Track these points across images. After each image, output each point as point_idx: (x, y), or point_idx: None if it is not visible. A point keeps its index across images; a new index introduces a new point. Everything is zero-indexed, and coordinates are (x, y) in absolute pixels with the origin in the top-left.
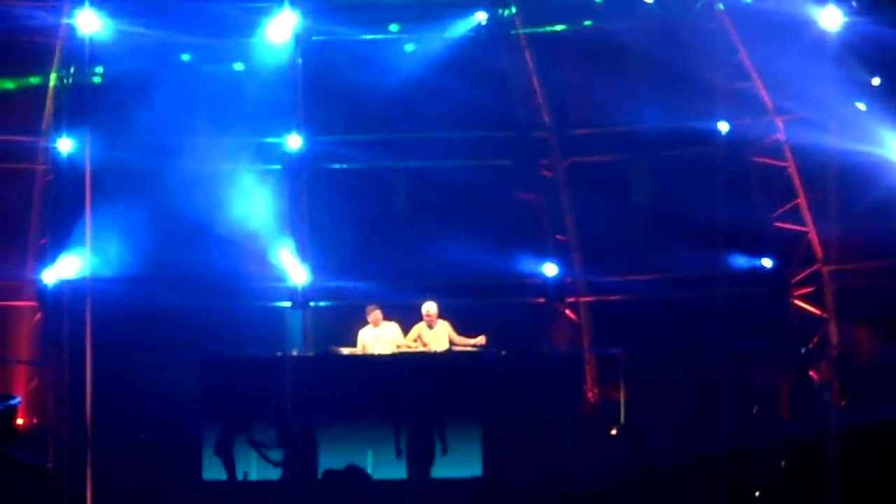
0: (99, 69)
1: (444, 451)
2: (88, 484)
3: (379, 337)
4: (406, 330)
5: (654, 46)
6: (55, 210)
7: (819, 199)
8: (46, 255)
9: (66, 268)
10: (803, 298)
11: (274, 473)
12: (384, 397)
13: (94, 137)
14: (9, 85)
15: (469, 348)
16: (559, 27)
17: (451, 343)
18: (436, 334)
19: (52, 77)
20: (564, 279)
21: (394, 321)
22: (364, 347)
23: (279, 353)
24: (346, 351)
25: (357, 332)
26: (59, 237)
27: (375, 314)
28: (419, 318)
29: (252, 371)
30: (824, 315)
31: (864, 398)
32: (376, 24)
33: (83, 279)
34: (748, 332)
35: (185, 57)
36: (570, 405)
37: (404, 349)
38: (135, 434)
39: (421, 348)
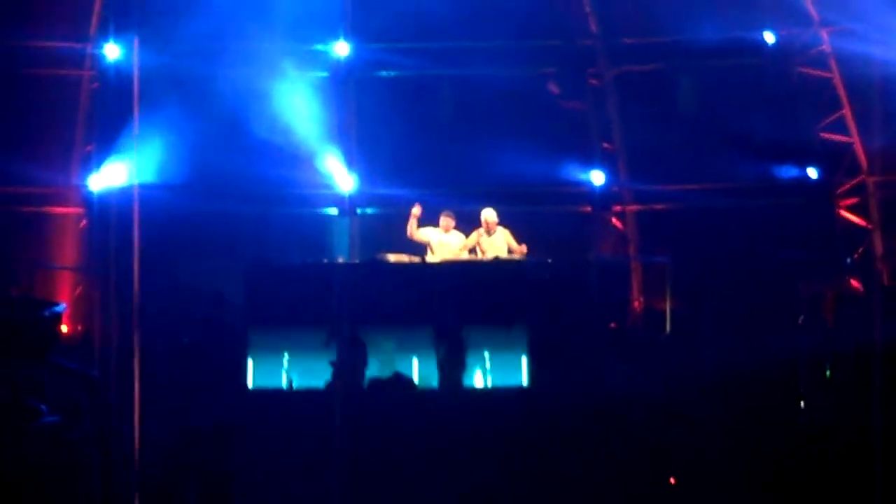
0: None
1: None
2: (136, 391)
3: (446, 243)
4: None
5: None
6: (101, 116)
7: (864, 111)
8: (92, 161)
9: (112, 175)
10: (848, 209)
11: (319, 381)
12: (431, 306)
13: (140, 44)
14: None
15: (518, 257)
16: None
17: (510, 251)
18: (494, 241)
19: None
20: (611, 188)
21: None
22: (430, 247)
23: (326, 260)
24: (392, 258)
25: (418, 231)
26: (105, 144)
27: (448, 221)
28: (471, 225)
29: (299, 278)
30: (869, 226)
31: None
32: None
33: (129, 186)
34: (793, 242)
35: None
36: (616, 314)
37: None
38: (179, 339)
39: (478, 255)
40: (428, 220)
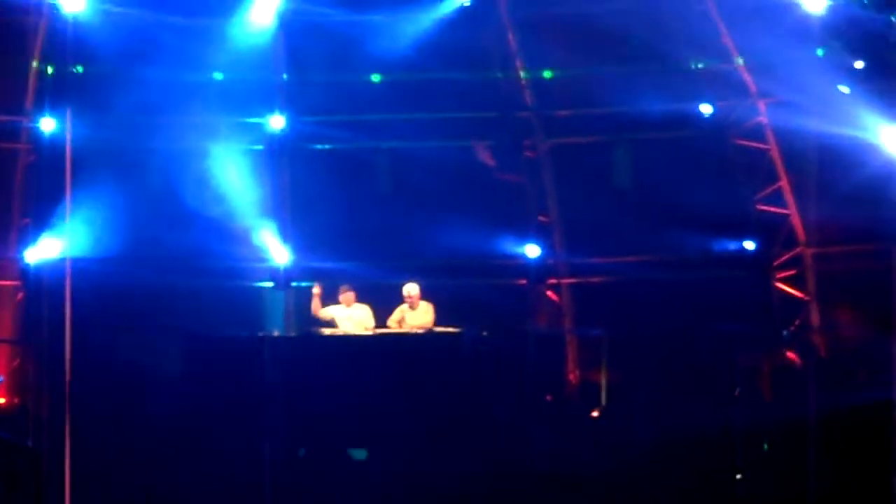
0: (81, 50)
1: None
2: (67, 461)
3: (349, 317)
4: (382, 313)
5: (636, 28)
6: (37, 190)
7: (801, 182)
8: (29, 234)
9: (47, 247)
10: (785, 281)
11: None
12: (366, 377)
13: (76, 118)
14: None
15: (450, 330)
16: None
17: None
18: (417, 316)
19: (35, 57)
20: (546, 260)
21: (367, 304)
22: (335, 323)
23: (260, 333)
24: (327, 332)
25: (321, 310)
26: (41, 217)
27: (348, 295)
28: (402, 299)
29: (234, 350)
30: (806, 297)
31: (846, 382)
32: (360, 5)
33: (64, 259)
34: (730, 314)
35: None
36: (551, 386)
37: (385, 330)
38: (115, 413)
39: (402, 329)
40: (364, 294)
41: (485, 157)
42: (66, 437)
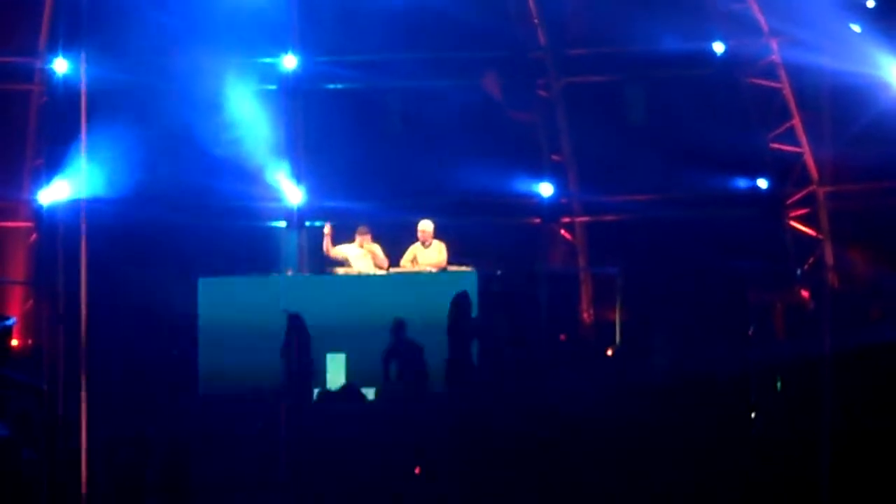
0: None
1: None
2: (83, 404)
3: (362, 255)
4: (394, 252)
5: None
6: (50, 131)
7: (814, 121)
8: (42, 175)
9: (61, 188)
10: (798, 219)
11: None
12: (378, 317)
13: (89, 58)
14: None
15: (463, 269)
16: None
17: (445, 266)
18: (430, 254)
19: None
20: (560, 199)
21: (379, 244)
22: (348, 262)
23: (275, 273)
24: (341, 271)
25: (333, 248)
26: (54, 158)
27: (366, 236)
28: (415, 238)
29: (249, 290)
30: (819, 236)
31: (859, 320)
32: None
33: (78, 200)
34: (744, 252)
35: None
36: (566, 325)
37: (398, 269)
38: (129, 351)
39: (414, 268)
40: (376, 234)
41: (492, 87)
42: (83, 379)
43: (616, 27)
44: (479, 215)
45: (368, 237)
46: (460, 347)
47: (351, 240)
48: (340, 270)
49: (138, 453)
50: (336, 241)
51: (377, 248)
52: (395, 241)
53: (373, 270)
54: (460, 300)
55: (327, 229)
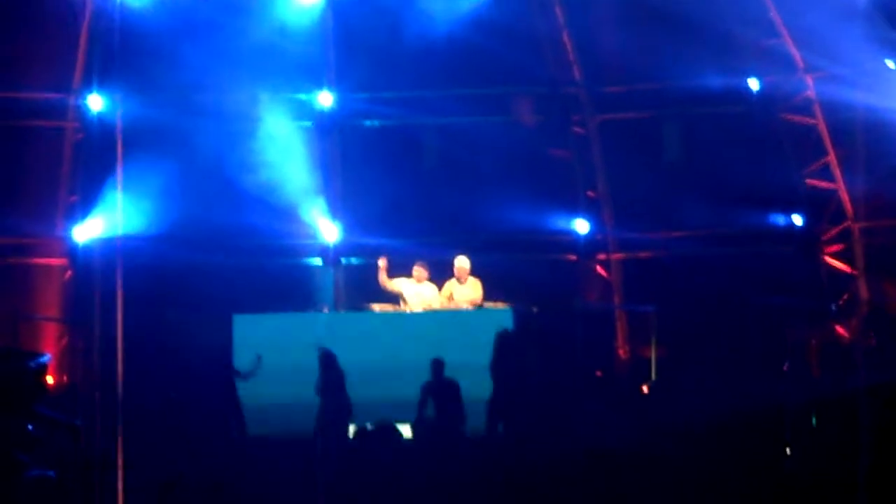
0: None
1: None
2: (119, 441)
3: (419, 294)
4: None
5: (685, 3)
6: (85, 168)
7: (849, 157)
8: (76, 212)
9: (96, 226)
10: (833, 255)
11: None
12: (415, 354)
13: (124, 95)
14: None
15: (500, 306)
16: None
17: (481, 303)
18: (465, 291)
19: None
20: (595, 236)
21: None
22: (402, 298)
23: (311, 311)
24: (377, 308)
25: (390, 282)
26: (89, 195)
27: (422, 272)
28: (450, 274)
29: (284, 328)
30: (854, 272)
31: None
32: None
33: (113, 237)
34: (779, 289)
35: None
36: (601, 362)
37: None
38: (166, 392)
39: (450, 305)
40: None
41: (524, 113)
42: (119, 417)
43: (651, 64)
44: (515, 252)
45: (426, 275)
46: (503, 387)
47: (404, 275)
48: (377, 307)
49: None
50: (390, 274)
51: (432, 288)
52: (431, 278)
53: (424, 308)
54: (503, 339)
55: (383, 263)
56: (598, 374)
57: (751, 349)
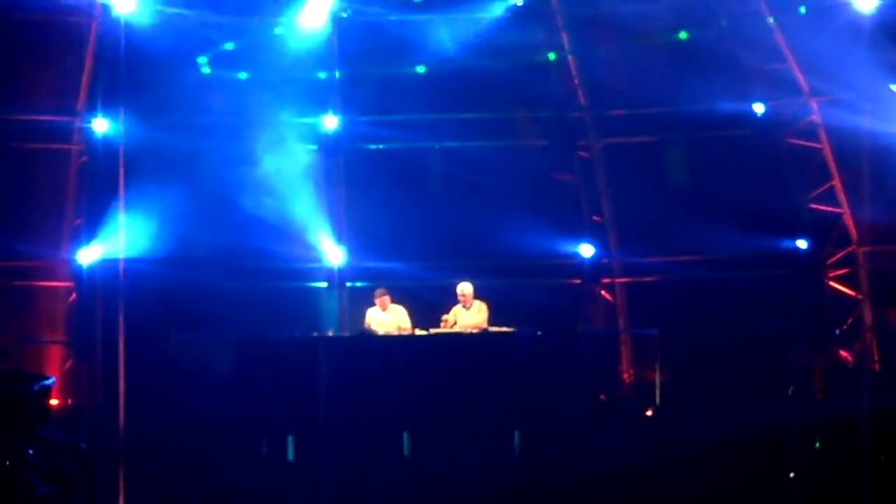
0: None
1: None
2: (121, 464)
3: (383, 322)
4: (435, 313)
5: (689, 28)
6: (90, 190)
7: (854, 181)
8: (81, 235)
9: (100, 248)
10: (838, 280)
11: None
12: (420, 377)
13: (128, 118)
14: None
15: (504, 329)
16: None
17: (486, 326)
18: (470, 315)
19: (87, 58)
20: (600, 260)
21: (401, 304)
22: (369, 327)
23: (315, 334)
24: (381, 331)
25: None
26: (93, 218)
27: (383, 298)
28: (455, 299)
29: (288, 351)
30: (859, 296)
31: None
32: (412, 5)
33: (117, 260)
34: (783, 313)
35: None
36: (605, 385)
37: (437, 331)
38: (168, 415)
39: (455, 329)
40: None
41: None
42: (121, 440)
43: (656, 88)
44: (520, 276)
45: (387, 299)
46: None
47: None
48: (381, 330)
49: None
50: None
51: (400, 310)
52: (436, 302)
53: (395, 332)
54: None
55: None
56: (603, 397)
57: (755, 373)
